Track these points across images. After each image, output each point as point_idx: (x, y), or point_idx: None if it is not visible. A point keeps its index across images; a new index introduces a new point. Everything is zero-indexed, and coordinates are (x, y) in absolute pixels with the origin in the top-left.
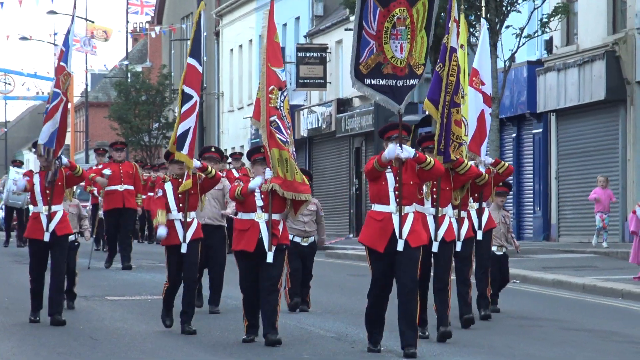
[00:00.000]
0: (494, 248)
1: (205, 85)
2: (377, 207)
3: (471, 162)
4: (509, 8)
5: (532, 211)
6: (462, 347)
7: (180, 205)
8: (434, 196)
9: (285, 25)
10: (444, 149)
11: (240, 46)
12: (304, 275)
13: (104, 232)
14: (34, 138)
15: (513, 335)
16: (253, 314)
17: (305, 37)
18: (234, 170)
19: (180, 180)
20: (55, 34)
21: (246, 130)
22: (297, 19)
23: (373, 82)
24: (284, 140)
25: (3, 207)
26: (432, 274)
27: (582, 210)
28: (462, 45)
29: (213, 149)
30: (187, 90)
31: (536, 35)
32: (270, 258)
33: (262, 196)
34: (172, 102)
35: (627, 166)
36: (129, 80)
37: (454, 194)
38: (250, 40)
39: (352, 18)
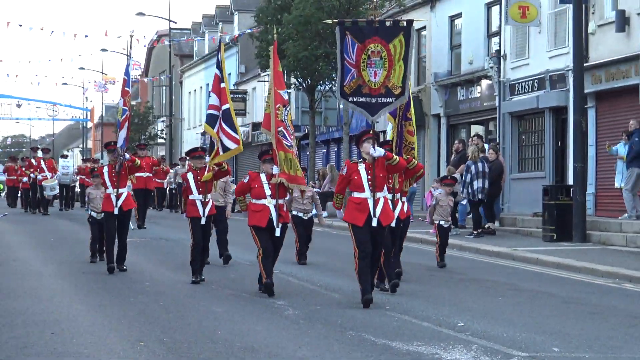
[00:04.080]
0: (442, 222)
1: (173, 113)
2: (356, 194)
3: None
4: None
5: None
6: (411, 297)
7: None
8: (390, 185)
9: None
10: (398, 151)
11: (195, 90)
12: (306, 239)
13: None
14: (70, 144)
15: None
16: (270, 273)
17: (234, 85)
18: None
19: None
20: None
21: (197, 141)
22: (229, 74)
23: (354, 99)
24: (289, 144)
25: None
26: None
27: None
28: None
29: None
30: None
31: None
32: (278, 232)
33: (270, 186)
34: (152, 124)
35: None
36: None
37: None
38: (201, 87)
39: (262, 74)
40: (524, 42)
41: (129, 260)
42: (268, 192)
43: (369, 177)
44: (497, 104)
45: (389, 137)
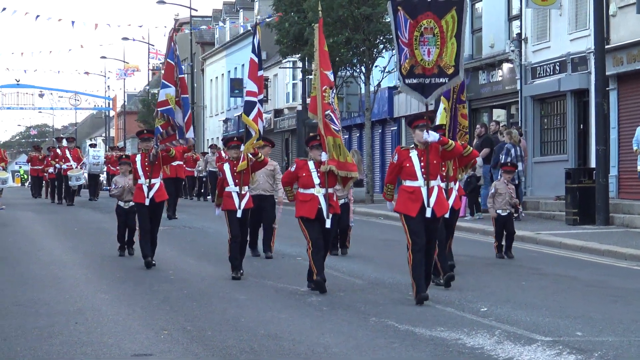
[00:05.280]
0: (499, 211)
1: (195, 101)
2: (408, 183)
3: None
4: (376, 55)
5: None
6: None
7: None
8: (444, 173)
9: (243, 65)
10: (452, 136)
11: (217, 77)
12: (342, 225)
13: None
14: (93, 133)
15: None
16: (322, 269)
17: None
18: (222, 152)
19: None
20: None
21: (220, 128)
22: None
23: (408, 81)
24: (337, 129)
25: (87, 174)
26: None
27: None
28: None
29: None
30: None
31: (393, 71)
32: (329, 224)
33: (319, 175)
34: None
35: None
36: (150, 98)
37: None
38: (222, 74)
39: (284, 61)
40: (545, 25)
41: None
42: (317, 180)
43: (422, 164)
44: (518, 88)
45: (438, 122)
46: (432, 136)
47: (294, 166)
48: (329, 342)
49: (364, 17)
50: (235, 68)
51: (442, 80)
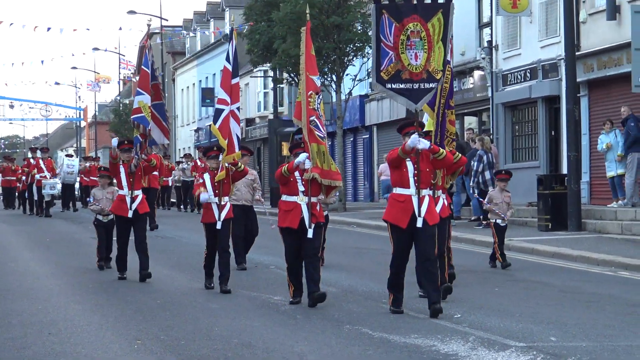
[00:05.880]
0: (498, 221)
1: (167, 111)
2: (399, 190)
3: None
4: (347, 63)
5: (363, 185)
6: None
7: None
8: (432, 182)
9: (214, 74)
10: (439, 143)
11: (188, 87)
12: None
13: None
14: (64, 144)
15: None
16: (297, 279)
17: None
18: (198, 161)
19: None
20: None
21: (191, 138)
22: (221, 70)
23: (393, 86)
24: (322, 136)
25: (61, 184)
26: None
27: None
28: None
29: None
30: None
31: (364, 79)
32: (310, 234)
33: (303, 182)
34: None
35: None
36: (121, 108)
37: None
38: (193, 84)
39: (255, 70)
40: (516, 33)
41: None
42: (301, 188)
43: (415, 172)
44: (489, 95)
45: (426, 128)
46: (423, 144)
47: (285, 166)
48: (303, 351)
49: (334, 26)
50: (207, 77)
51: (431, 85)
